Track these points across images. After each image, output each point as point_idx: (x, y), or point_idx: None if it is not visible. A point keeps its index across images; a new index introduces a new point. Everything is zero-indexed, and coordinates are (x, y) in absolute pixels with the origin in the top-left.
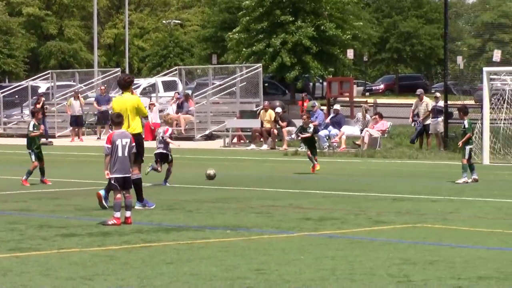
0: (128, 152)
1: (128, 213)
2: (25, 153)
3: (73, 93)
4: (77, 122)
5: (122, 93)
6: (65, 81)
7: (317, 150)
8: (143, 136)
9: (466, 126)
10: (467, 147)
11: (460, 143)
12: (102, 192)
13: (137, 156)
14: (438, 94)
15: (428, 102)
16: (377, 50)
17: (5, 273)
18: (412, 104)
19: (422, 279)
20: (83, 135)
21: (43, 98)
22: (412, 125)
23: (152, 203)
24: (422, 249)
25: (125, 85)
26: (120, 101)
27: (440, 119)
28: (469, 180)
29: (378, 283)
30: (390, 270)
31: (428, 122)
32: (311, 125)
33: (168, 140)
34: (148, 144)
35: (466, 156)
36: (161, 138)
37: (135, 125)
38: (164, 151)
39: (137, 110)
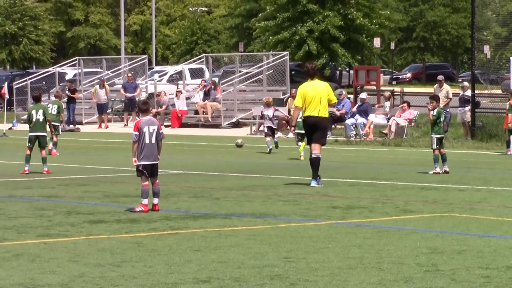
0: (156, 139)
1: (155, 200)
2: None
3: (98, 80)
4: (103, 109)
5: (311, 79)
6: (92, 68)
7: (344, 139)
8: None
9: (434, 113)
10: (434, 136)
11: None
12: (313, 183)
13: (322, 138)
14: (465, 84)
15: (448, 90)
16: (404, 39)
17: (33, 259)
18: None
19: (450, 268)
20: (109, 121)
21: (67, 85)
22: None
23: (321, 183)
24: (450, 238)
25: (313, 73)
26: (313, 86)
27: (467, 108)
28: (441, 171)
29: (406, 272)
30: (418, 259)
31: (448, 109)
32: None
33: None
34: (175, 131)
35: (434, 146)
36: (269, 115)
37: (325, 110)
38: (273, 126)
39: (328, 97)
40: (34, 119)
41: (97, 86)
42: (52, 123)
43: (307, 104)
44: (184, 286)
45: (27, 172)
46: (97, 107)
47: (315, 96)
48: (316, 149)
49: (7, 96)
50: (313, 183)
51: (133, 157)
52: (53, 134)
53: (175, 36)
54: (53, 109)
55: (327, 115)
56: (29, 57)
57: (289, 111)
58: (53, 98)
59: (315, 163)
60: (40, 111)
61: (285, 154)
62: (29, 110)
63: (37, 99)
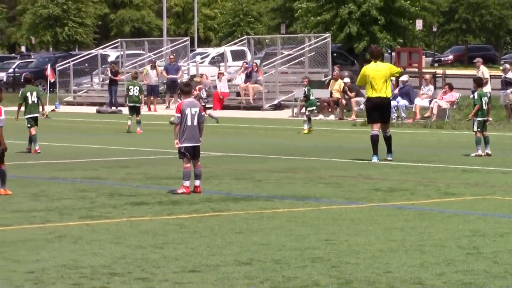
0: (198, 121)
1: (197, 182)
2: (94, 121)
3: (148, 62)
4: (153, 91)
5: (375, 61)
6: (134, 50)
7: None
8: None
9: (475, 97)
10: (476, 119)
11: (470, 116)
12: (375, 159)
13: (389, 118)
14: (507, 66)
15: (483, 71)
16: (446, 21)
17: (75, 241)
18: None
19: (492, 251)
20: (151, 104)
21: (109, 67)
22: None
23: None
24: (492, 221)
25: (378, 55)
26: (377, 69)
27: (509, 90)
28: (483, 154)
29: (448, 255)
30: (460, 242)
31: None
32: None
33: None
34: (217, 113)
35: (475, 128)
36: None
37: (389, 90)
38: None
39: (391, 74)
40: (29, 101)
41: (148, 67)
42: (135, 104)
43: (372, 86)
44: (225, 268)
45: (39, 151)
46: (148, 89)
47: (380, 77)
48: (386, 128)
49: (53, 78)
50: (389, 157)
51: (175, 139)
52: (44, 115)
53: (218, 18)
54: (134, 91)
55: (390, 95)
56: (73, 39)
57: (331, 93)
58: (95, 80)
59: (389, 141)
60: (34, 93)
61: (327, 137)
62: (23, 92)
63: (29, 81)
